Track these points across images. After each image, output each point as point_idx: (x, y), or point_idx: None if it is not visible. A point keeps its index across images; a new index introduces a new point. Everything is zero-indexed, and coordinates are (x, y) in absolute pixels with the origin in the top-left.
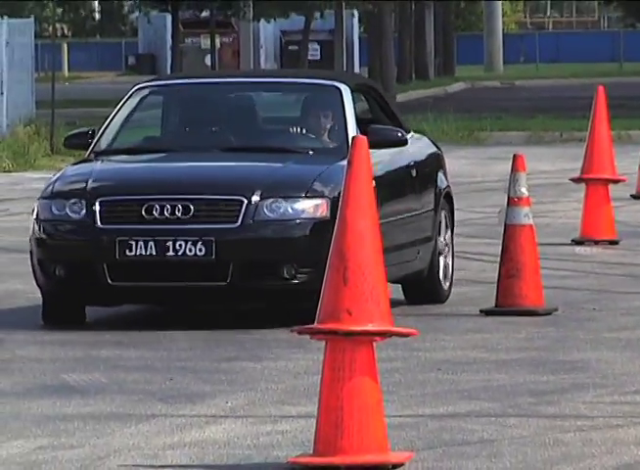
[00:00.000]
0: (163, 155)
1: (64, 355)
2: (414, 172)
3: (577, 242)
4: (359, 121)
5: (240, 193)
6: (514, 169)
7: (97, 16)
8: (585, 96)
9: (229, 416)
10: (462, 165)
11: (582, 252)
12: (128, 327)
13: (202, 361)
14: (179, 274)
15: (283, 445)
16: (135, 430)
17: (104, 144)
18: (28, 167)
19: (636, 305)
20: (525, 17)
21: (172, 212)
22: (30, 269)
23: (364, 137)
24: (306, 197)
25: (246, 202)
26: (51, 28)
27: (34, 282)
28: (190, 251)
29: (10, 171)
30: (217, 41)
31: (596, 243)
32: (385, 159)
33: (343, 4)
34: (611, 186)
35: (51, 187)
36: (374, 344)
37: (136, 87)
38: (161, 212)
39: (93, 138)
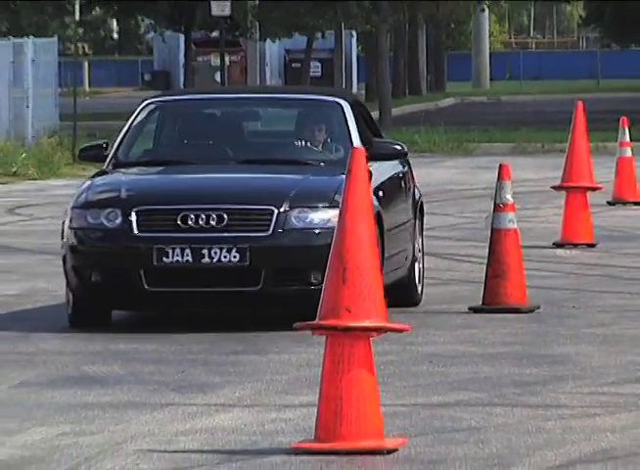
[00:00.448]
0: (187, 166)
1: (84, 349)
2: (402, 183)
3: (558, 245)
4: (361, 134)
5: (271, 203)
6: (500, 178)
7: (115, 36)
8: (565, 110)
9: (237, 405)
10: (452, 174)
11: (563, 254)
12: (144, 325)
13: (211, 355)
14: (213, 280)
15: (287, 431)
16: (150, 417)
17: (121, 156)
18: (52, 175)
19: (612, 303)
20: (510, 37)
21: (207, 222)
22: (56, 270)
23: (362, 149)
24: (330, 207)
25: (276, 211)
26: (73, 47)
27: (66, 286)
28: (225, 257)
29: (35, 179)
30: (227, 59)
31: (575, 246)
32: (379, 170)
33: (343, 25)
34: (589, 193)
35: (84, 196)
36: (371, 339)
37: (145, 102)
38: (196, 221)
39: (106, 150)
